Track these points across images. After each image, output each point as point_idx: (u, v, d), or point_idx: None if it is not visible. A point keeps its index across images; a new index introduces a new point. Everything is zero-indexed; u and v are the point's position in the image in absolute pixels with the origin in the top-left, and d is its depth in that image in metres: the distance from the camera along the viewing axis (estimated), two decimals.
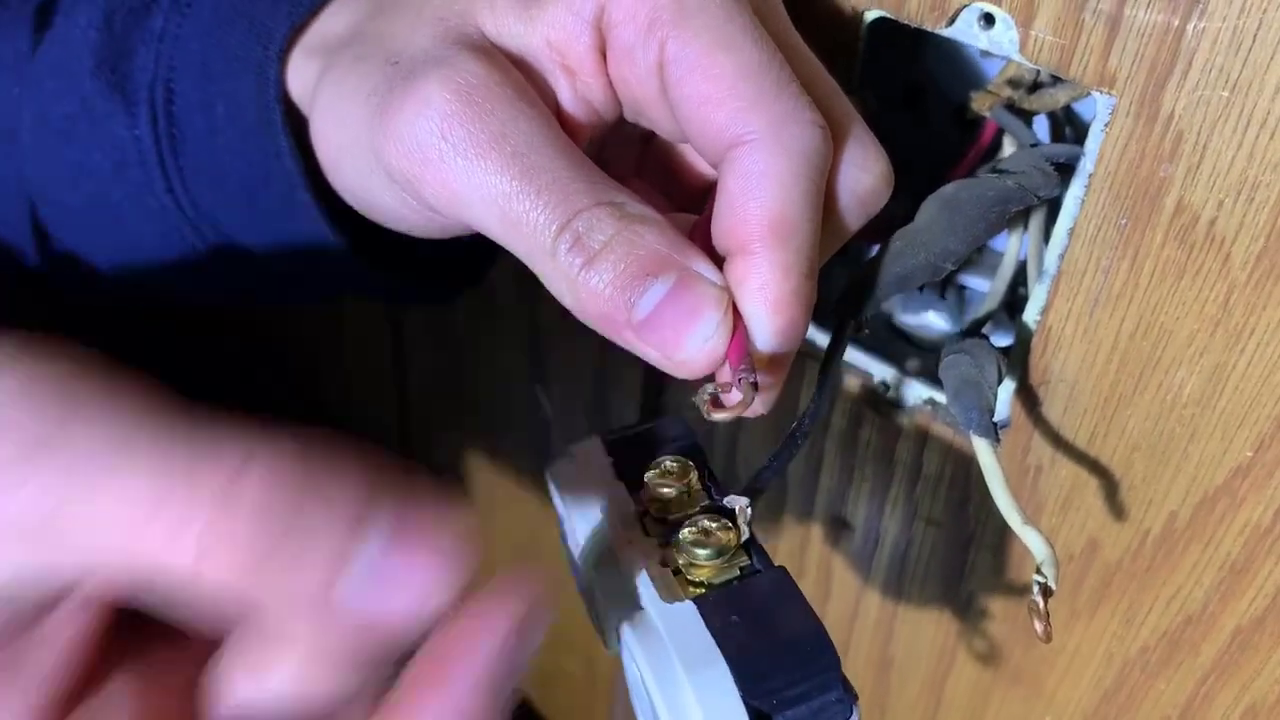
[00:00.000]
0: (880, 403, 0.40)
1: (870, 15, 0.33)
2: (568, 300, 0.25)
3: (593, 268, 0.24)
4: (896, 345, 0.41)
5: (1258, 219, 0.29)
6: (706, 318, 0.24)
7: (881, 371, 0.40)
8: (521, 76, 0.27)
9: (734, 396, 0.25)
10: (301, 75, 0.31)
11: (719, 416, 0.25)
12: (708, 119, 0.26)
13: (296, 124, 0.31)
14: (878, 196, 0.28)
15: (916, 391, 0.39)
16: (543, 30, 0.27)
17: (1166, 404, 0.33)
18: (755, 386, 0.25)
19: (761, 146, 0.26)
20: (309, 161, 0.31)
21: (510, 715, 0.22)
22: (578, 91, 0.28)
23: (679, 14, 0.26)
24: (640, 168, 0.33)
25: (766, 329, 0.26)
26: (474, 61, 0.26)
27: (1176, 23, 0.28)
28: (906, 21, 0.33)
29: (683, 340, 0.25)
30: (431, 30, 0.27)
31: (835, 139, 0.27)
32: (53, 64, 0.35)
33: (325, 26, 0.31)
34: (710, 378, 0.26)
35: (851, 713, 0.24)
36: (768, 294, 0.26)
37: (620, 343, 0.25)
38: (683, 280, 0.25)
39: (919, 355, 0.40)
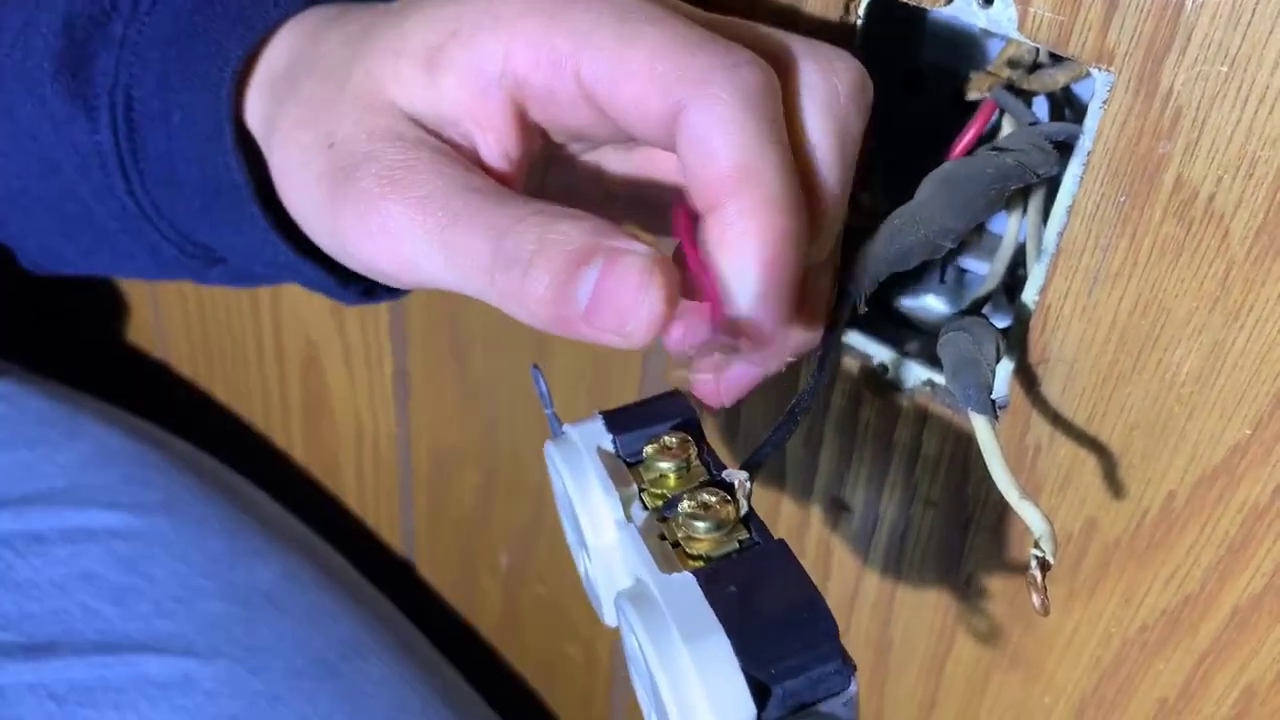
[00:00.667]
0: (879, 384, 0.40)
1: None
2: (524, 316, 0.26)
3: (530, 277, 0.25)
4: (896, 328, 0.41)
5: (1256, 194, 0.29)
6: (637, 282, 0.25)
7: (880, 353, 0.40)
8: (437, 140, 0.29)
9: (707, 366, 0.26)
10: (251, 105, 0.33)
11: (699, 378, 0.26)
12: (645, 113, 0.27)
13: (247, 142, 0.33)
14: (854, 93, 0.28)
15: (915, 373, 0.39)
16: (448, 99, 0.29)
17: (1165, 382, 0.33)
18: (734, 349, 0.25)
19: (695, 106, 0.26)
20: (263, 173, 0.33)
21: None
22: (497, 143, 0.30)
23: (577, 40, 0.27)
24: (630, 198, 0.34)
25: (746, 280, 0.26)
26: (395, 150, 0.29)
27: None
28: (906, 1, 0.33)
29: (625, 314, 0.25)
30: (356, 113, 0.30)
31: (783, 66, 0.27)
32: (15, 69, 0.36)
33: (270, 58, 0.33)
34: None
35: (850, 683, 0.25)
36: (741, 243, 0.26)
37: (582, 338, 0.26)
38: (609, 258, 0.25)
39: (918, 338, 0.40)
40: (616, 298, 0.25)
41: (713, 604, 0.25)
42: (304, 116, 0.31)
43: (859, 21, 0.34)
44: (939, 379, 0.38)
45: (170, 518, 0.52)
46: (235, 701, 0.47)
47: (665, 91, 0.26)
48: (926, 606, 0.43)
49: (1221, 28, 0.27)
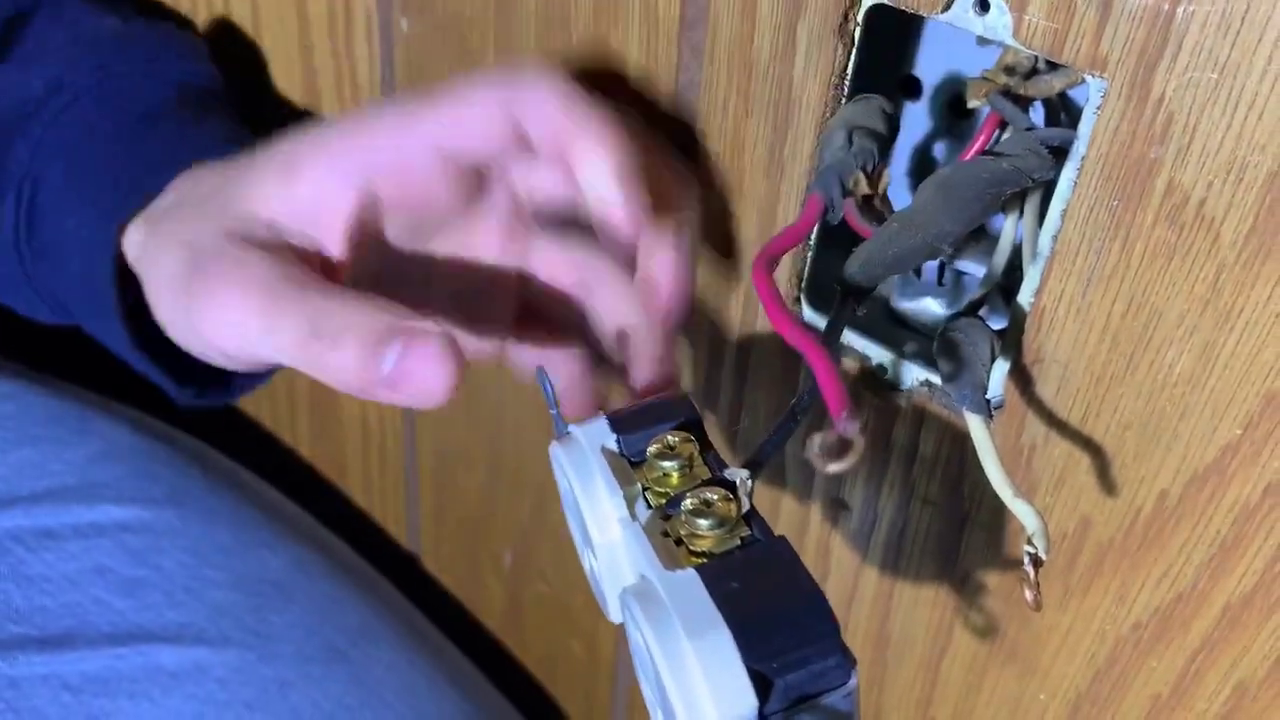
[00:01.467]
0: (878, 385, 0.41)
1: (868, 2, 0.34)
2: (335, 384, 0.31)
3: (337, 350, 0.30)
4: (894, 329, 0.42)
5: (1246, 199, 0.29)
6: (435, 356, 0.30)
7: (879, 354, 0.40)
8: (280, 240, 0.35)
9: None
10: (132, 237, 0.39)
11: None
12: (490, 121, 0.34)
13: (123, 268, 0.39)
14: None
15: (913, 374, 0.40)
16: (300, 200, 0.35)
17: (1157, 383, 0.33)
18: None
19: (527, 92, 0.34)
20: (138, 296, 0.38)
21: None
22: (335, 241, 0.35)
23: (424, 108, 0.35)
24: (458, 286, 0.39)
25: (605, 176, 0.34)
26: (238, 248, 0.34)
27: (1167, 6, 0.28)
28: (903, 8, 0.33)
29: (424, 383, 0.30)
30: (214, 222, 0.35)
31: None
32: None
33: (158, 203, 0.39)
34: None
35: (850, 677, 0.25)
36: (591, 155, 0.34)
37: (381, 401, 0.30)
38: (409, 337, 0.30)
39: (916, 338, 0.41)
40: (416, 370, 0.29)
41: (715, 599, 0.25)
42: (174, 233, 0.37)
43: (858, 27, 0.35)
44: (936, 379, 0.39)
45: (179, 510, 0.53)
46: (247, 688, 0.47)
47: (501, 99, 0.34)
48: (924, 603, 0.44)
49: (1211, 36, 0.28)
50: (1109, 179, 0.31)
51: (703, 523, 0.27)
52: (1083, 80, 0.32)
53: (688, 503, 0.27)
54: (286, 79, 0.53)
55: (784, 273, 0.41)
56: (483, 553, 0.66)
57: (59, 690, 0.46)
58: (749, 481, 0.28)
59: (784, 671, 0.24)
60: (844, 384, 0.26)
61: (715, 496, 0.28)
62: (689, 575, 0.26)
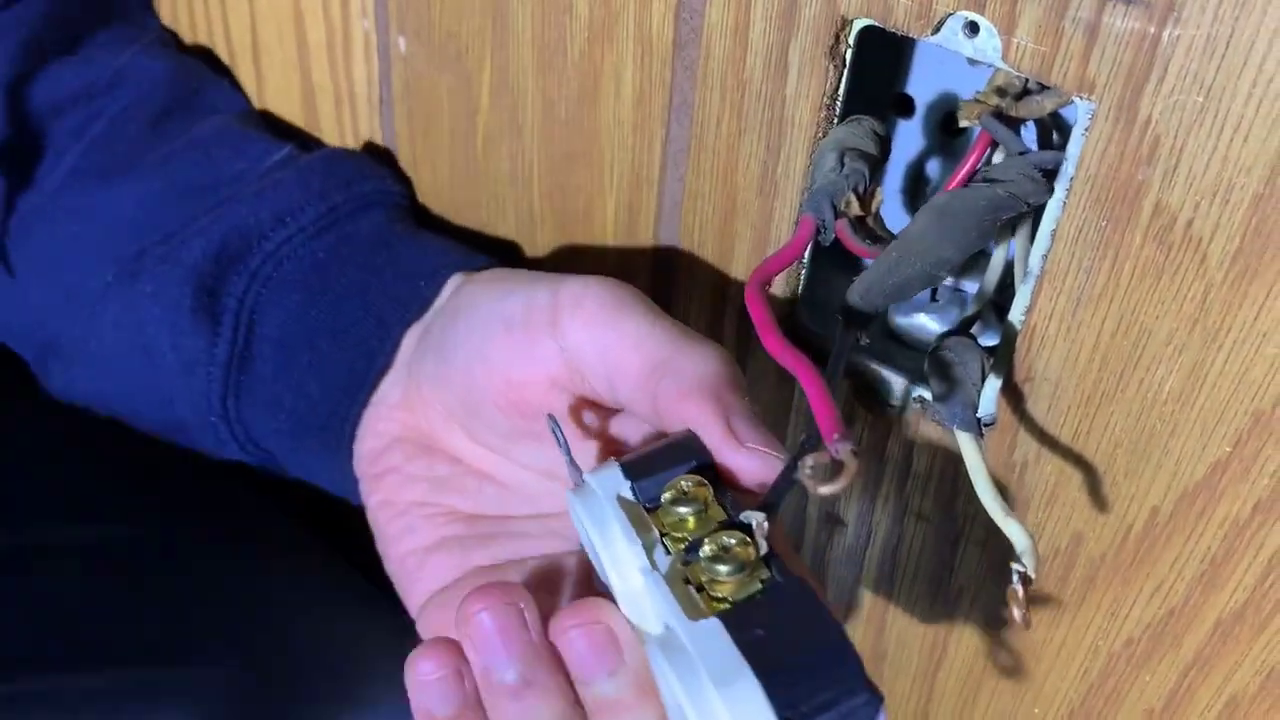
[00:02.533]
0: (872, 401, 0.41)
1: (859, 24, 0.34)
2: None
3: None
4: (888, 345, 0.42)
5: (1233, 219, 0.30)
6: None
7: (873, 370, 0.41)
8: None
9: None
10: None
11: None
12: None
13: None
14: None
15: (907, 390, 0.40)
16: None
17: (1147, 401, 0.34)
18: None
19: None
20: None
21: None
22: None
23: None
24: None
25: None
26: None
27: (1153, 30, 0.29)
28: (894, 30, 0.33)
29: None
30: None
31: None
32: (152, 278, 0.44)
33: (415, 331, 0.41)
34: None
35: (878, 713, 0.25)
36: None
37: None
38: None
39: (910, 355, 0.41)
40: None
41: (740, 648, 0.25)
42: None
43: (849, 49, 0.35)
44: (930, 396, 0.39)
45: (173, 529, 0.53)
46: (240, 709, 0.48)
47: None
48: (919, 618, 0.44)
49: (1197, 59, 0.28)
50: (1098, 200, 0.32)
51: (722, 569, 0.27)
52: (1072, 100, 0.32)
53: (706, 549, 0.28)
54: (285, 98, 0.53)
55: (778, 288, 0.41)
56: None
57: (55, 710, 0.46)
58: (765, 524, 0.28)
59: (813, 714, 0.25)
60: (837, 406, 0.27)
61: (733, 541, 0.28)
62: (713, 624, 0.26)
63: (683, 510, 0.29)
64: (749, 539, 0.28)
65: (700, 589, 0.28)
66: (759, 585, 0.27)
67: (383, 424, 0.40)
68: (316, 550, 0.60)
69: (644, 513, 0.30)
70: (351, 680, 0.51)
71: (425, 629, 0.37)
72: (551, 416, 0.32)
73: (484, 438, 0.38)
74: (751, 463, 0.30)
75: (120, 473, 0.55)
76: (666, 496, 0.29)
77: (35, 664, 0.47)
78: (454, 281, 0.41)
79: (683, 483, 0.30)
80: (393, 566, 0.40)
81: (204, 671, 0.48)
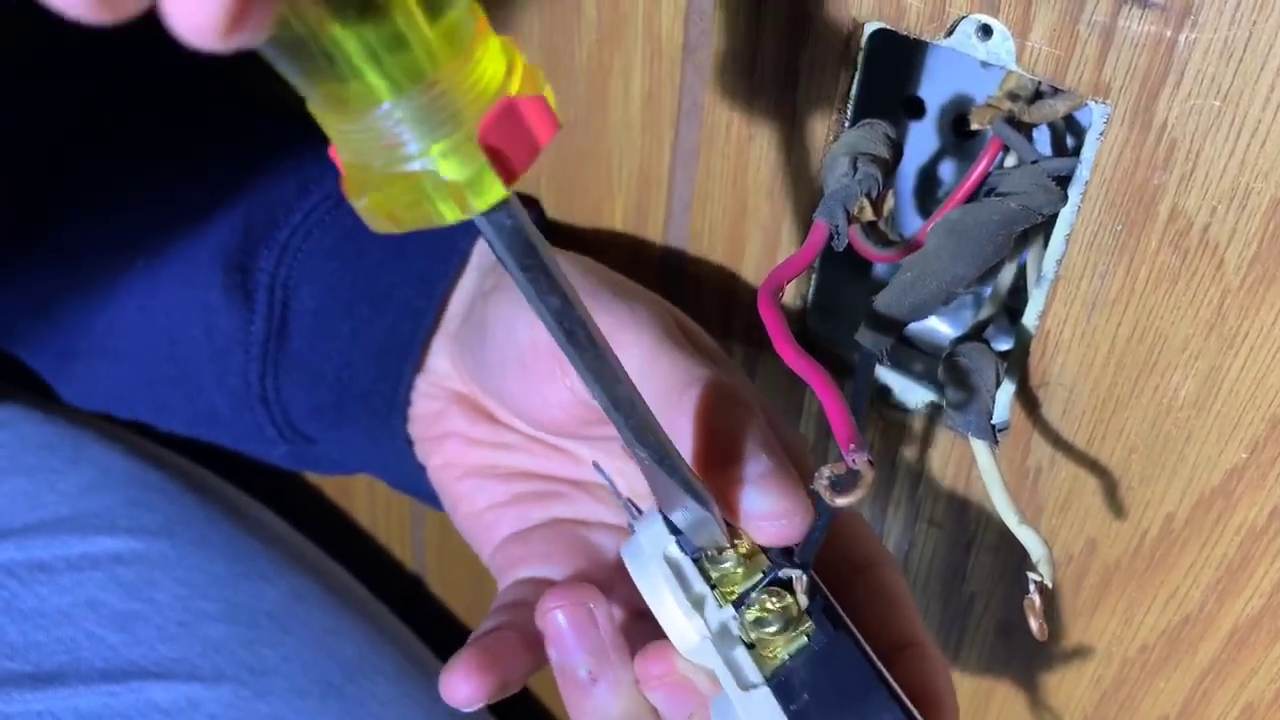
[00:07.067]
0: (884, 406, 0.41)
1: (870, 27, 0.34)
2: None
3: None
4: (901, 350, 0.42)
5: (1250, 225, 0.29)
6: None
7: (885, 376, 0.40)
8: None
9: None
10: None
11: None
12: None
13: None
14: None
15: (919, 395, 0.40)
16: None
17: (1163, 407, 0.33)
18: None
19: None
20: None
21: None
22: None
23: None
24: None
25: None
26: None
27: (1169, 34, 0.28)
28: (906, 33, 0.33)
29: None
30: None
31: None
32: (179, 259, 0.42)
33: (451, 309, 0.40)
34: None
35: None
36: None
37: None
38: None
39: (922, 360, 0.41)
40: None
41: (790, 716, 0.27)
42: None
43: (860, 52, 0.35)
44: (943, 402, 0.39)
45: (172, 541, 0.52)
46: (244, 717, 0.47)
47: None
48: (930, 624, 0.44)
49: (1214, 63, 0.28)
50: (1113, 205, 0.31)
51: (768, 631, 0.28)
52: (1085, 104, 0.32)
53: (750, 613, 0.29)
54: (291, 95, 0.53)
55: (787, 295, 0.41)
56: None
57: None
58: (804, 579, 0.29)
59: None
60: (852, 416, 0.26)
61: (774, 600, 0.29)
62: (763, 694, 0.28)
63: (728, 565, 0.29)
64: (790, 595, 0.29)
65: (751, 646, 0.29)
66: (805, 639, 0.28)
67: (437, 390, 0.40)
68: (317, 558, 0.60)
69: (690, 568, 0.30)
70: (351, 694, 0.51)
71: (502, 569, 0.38)
72: (596, 464, 0.32)
73: (539, 432, 0.38)
74: (758, 536, 0.29)
75: (120, 484, 0.54)
76: (710, 550, 0.30)
77: (33, 681, 0.47)
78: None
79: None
80: (462, 523, 0.40)
81: (203, 687, 0.48)
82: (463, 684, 0.32)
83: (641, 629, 0.32)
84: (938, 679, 0.30)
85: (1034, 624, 0.28)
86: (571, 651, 0.32)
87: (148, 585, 0.50)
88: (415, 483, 0.42)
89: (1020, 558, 0.39)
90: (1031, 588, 0.28)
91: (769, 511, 0.29)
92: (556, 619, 0.31)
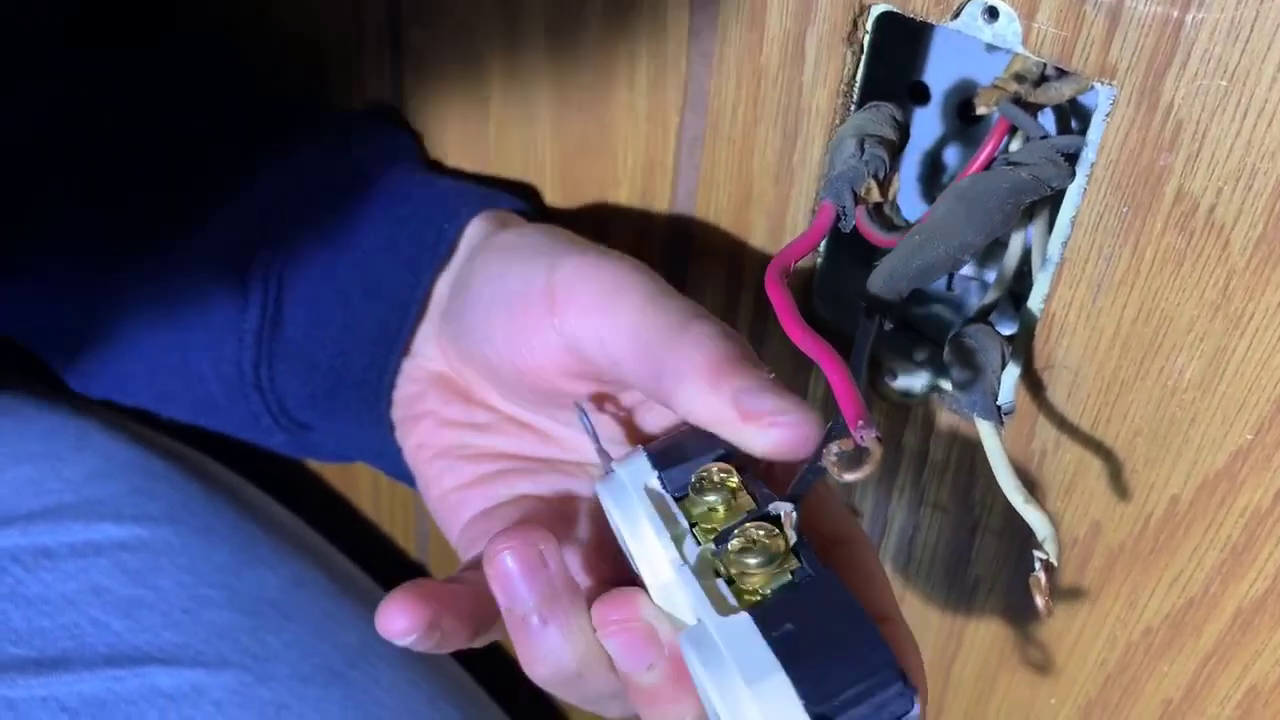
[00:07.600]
0: (888, 390, 0.41)
1: (876, 9, 0.34)
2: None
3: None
4: (904, 334, 0.42)
5: (1256, 205, 0.29)
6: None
7: (889, 360, 0.40)
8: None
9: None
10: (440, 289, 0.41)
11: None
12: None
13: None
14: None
15: (924, 379, 0.40)
16: None
17: (1168, 389, 0.33)
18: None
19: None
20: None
21: None
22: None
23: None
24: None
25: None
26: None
27: (1175, 14, 0.28)
28: (912, 15, 0.33)
29: None
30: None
31: None
32: (179, 252, 0.43)
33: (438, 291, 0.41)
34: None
35: (913, 704, 0.25)
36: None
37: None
38: None
39: (926, 344, 0.41)
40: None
41: (770, 643, 0.25)
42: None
43: (867, 35, 0.35)
44: (946, 385, 0.39)
45: (176, 528, 0.52)
46: (244, 711, 0.47)
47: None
48: (935, 608, 0.44)
49: (1220, 43, 0.28)
50: (1119, 186, 0.31)
51: (751, 561, 0.27)
52: (1091, 86, 0.32)
53: (734, 542, 0.27)
54: (297, 86, 0.53)
55: (793, 275, 0.41)
56: None
57: (57, 713, 0.46)
58: (793, 514, 0.28)
59: (845, 708, 0.25)
60: (860, 392, 0.26)
61: (761, 533, 0.27)
62: (742, 620, 0.26)
63: (711, 499, 0.29)
64: (778, 529, 0.27)
65: (731, 581, 0.27)
66: (789, 577, 0.27)
67: (419, 372, 0.41)
68: (320, 546, 0.60)
69: (673, 503, 0.29)
70: (355, 681, 0.51)
71: (466, 549, 0.37)
72: (579, 405, 0.32)
73: (516, 402, 0.38)
74: (768, 438, 0.28)
75: (125, 472, 0.54)
76: (694, 485, 0.29)
77: (37, 666, 0.47)
78: (478, 226, 0.41)
79: (711, 470, 0.29)
80: (434, 505, 0.40)
81: (207, 673, 0.48)
82: (398, 615, 0.31)
83: (599, 588, 0.32)
84: (909, 656, 0.29)
85: (1039, 601, 0.28)
86: (520, 594, 0.30)
87: (152, 572, 0.51)
88: (403, 469, 0.42)
89: (1025, 542, 0.40)
90: (1037, 565, 0.28)
91: (782, 407, 0.28)
92: (504, 560, 0.30)
